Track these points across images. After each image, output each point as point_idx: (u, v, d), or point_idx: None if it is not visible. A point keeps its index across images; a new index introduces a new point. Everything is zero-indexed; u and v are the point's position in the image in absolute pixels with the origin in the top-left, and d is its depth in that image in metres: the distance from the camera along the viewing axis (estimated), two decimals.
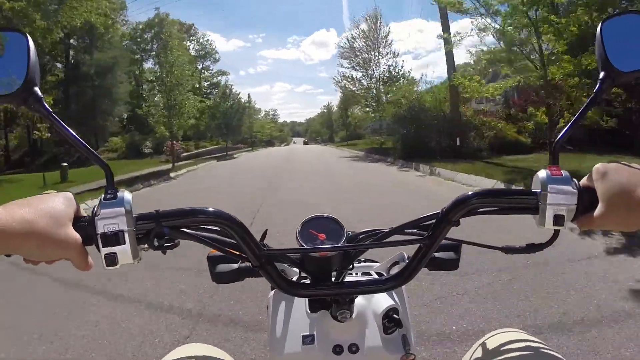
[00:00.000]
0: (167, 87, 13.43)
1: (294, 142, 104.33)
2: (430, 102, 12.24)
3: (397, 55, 19.48)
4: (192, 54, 32.92)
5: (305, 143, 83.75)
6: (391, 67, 19.16)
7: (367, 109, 20.20)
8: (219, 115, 25.45)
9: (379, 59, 19.65)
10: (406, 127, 12.32)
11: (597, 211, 0.38)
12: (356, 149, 23.05)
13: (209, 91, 36.52)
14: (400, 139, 12.99)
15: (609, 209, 0.37)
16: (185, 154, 19.48)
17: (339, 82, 21.05)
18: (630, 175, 0.38)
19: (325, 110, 54.33)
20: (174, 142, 17.25)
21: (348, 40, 20.82)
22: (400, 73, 18.74)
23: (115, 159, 18.91)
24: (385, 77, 19.02)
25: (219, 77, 37.58)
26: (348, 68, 20.71)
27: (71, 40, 22.04)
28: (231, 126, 25.43)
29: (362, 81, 20.25)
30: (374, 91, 19.43)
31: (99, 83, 22.29)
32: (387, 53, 19.71)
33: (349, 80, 20.63)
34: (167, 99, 13.53)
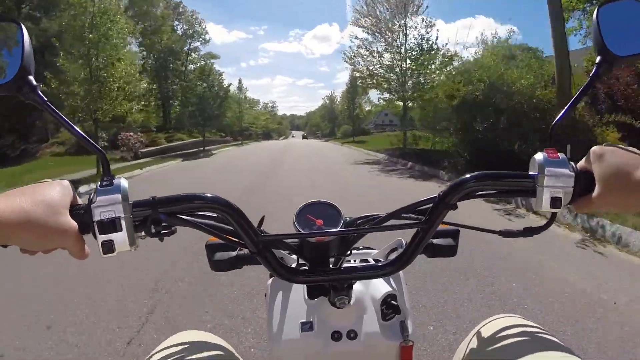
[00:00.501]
0: (87, 46, 8.62)
1: (293, 136, 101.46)
2: (523, 83, 6.74)
3: (432, 25, 13.09)
4: (179, 33, 30.47)
5: (304, 137, 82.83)
6: (423, 40, 13.11)
7: (387, 94, 14.27)
8: (193, 100, 20.70)
9: (405, 29, 13.56)
10: (481, 120, 6.83)
11: (595, 193, 0.40)
12: (368, 147, 18.09)
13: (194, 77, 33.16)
14: (464, 140, 7.57)
15: (607, 191, 0.40)
16: (146, 149, 15.17)
17: (352, 57, 14.66)
18: (628, 157, 0.40)
19: (328, 102, 49.64)
20: (132, 134, 14.40)
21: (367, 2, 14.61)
22: (435, 47, 12.95)
23: (62, 155, 14.43)
24: (414, 53, 13.08)
25: (209, 62, 33.58)
26: (363, 42, 14.31)
27: None
28: (208, 114, 20.30)
29: (385, 55, 13.85)
30: (398, 71, 13.39)
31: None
32: (417, 23, 13.42)
33: (367, 54, 14.08)
34: (87, 67, 8.72)
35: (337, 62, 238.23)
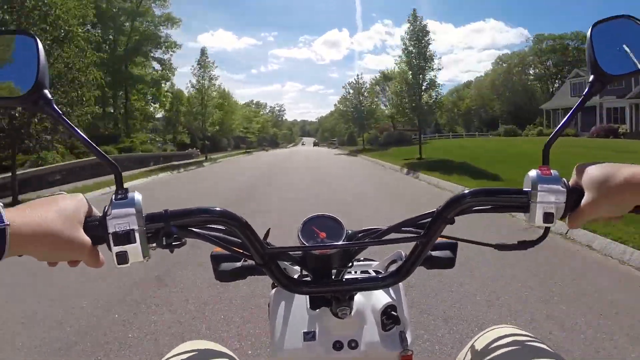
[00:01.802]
0: None
1: (303, 144, 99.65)
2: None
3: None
4: None
5: (315, 144, 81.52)
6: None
7: None
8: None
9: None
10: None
11: (584, 200, 0.46)
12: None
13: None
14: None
15: (595, 195, 0.45)
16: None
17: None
18: (609, 165, 0.46)
19: (351, 92, 33.45)
20: None
21: None
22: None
23: None
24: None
25: (164, 30, 27.91)
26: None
27: None
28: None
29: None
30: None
31: None
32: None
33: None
34: None
35: (347, 68, 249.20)
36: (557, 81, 45.02)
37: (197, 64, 23.74)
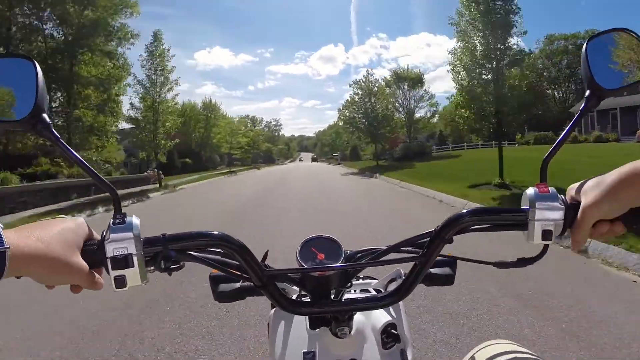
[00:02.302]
0: None
1: (301, 159, 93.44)
2: None
3: None
4: None
5: (314, 159, 79.24)
6: None
7: None
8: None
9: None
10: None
11: (581, 207, 0.48)
12: None
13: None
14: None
15: (591, 198, 0.47)
16: None
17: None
18: (601, 175, 0.48)
19: (360, 94, 26.76)
20: None
21: None
22: None
23: None
24: None
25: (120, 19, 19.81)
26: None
27: None
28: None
29: None
30: None
31: None
32: None
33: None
34: None
35: (343, 83, 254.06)
36: (571, 83, 44.08)
37: (145, 52, 16.46)
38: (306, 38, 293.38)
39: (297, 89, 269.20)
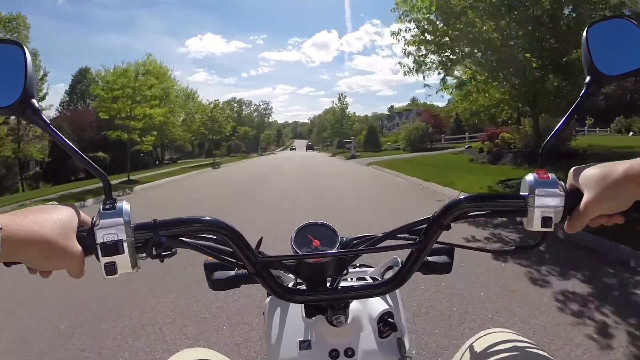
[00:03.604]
0: None
1: (293, 148, 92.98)
2: None
3: None
4: None
5: (309, 147, 75.73)
6: None
7: None
8: None
9: None
10: None
11: (584, 199, 0.50)
12: None
13: None
14: None
15: (595, 193, 0.49)
16: None
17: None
18: (604, 164, 0.50)
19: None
20: None
21: None
22: None
23: None
24: None
25: None
26: None
27: None
28: None
29: None
30: None
31: None
32: None
33: None
34: None
35: (337, 70, 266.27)
36: None
37: None
38: (299, 24, 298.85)
39: (291, 76, 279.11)
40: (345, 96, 47.53)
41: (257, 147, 69.57)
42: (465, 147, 19.49)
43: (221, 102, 36.63)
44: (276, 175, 15.47)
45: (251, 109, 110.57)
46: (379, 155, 25.83)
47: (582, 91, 0.56)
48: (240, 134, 51.79)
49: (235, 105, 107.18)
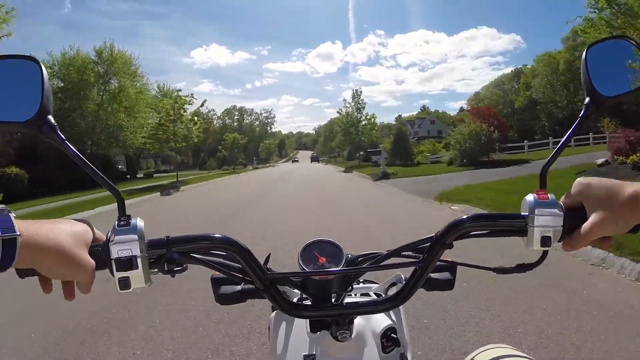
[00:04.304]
0: None
1: (296, 160, 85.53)
2: None
3: None
4: None
5: (314, 159, 71.67)
6: None
7: None
8: None
9: None
10: None
11: (589, 219, 0.51)
12: None
13: None
14: None
15: (600, 214, 0.50)
16: None
17: None
18: (611, 181, 0.52)
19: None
20: None
21: None
22: None
23: None
24: None
25: None
26: None
27: None
28: None
29: None
30: None
31: None
32: None
33: None
34: None
35: (342, 81, 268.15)
36: None
37: None
38: (303, 35, 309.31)
39: (296, 87, 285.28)
40: (361, 92, 36.22)
41: (253, 158, 61.16)
42: (599, 162, 10.81)
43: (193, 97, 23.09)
44: (269, 196, 12.00)
45: (252, 117, 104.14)
46: (420, 172, 17.65)
47: (581, 112, 0.58)
48: (227, 142, 42.53)
49: (236, 113, 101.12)
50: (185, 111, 21.61)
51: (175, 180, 20.60)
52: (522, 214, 0.55)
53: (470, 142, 18.36)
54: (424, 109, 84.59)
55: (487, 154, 18.75)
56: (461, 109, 78.01)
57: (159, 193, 15.89)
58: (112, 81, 27.27)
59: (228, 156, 46.93)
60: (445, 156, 21.48)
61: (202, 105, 23.59)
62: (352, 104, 35.20)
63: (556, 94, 38.43)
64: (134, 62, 28.15)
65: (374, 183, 15.59)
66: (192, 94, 22.65)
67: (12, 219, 0.42)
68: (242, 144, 44.69)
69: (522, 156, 21.00)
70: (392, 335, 0.65)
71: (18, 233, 0.41)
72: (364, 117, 34.43)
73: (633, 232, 0.50)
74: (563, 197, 0.57)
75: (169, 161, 54.66)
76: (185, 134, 21.36)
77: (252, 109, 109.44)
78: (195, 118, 22.77)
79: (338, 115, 32.70)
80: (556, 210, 0.53)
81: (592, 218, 0.50)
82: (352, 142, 35.38)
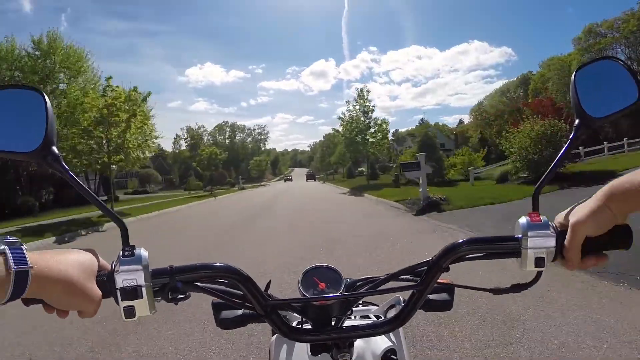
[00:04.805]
0: None
1: (289, 178, 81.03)
2: None
3: None
4: None
5: (310, 177, 67.64)
6: None
7: None
8: None
9: None
10: None
11: (570, 223, 0.54)
12: None
13: None
14: None
15: (577, 218, 0.54)
16: None
17: None
18: (586, 200, 0.57)
19: None
20: None
21: None
22: None
23: None
24: None
25: None
26: None
27: None
28: None
29: None
30: None
31: None
32: None
33: None
34: None
35: (336, 98, 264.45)
36: None
37: None
38: (297, 53, 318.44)
39: (290, 105, 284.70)
40: (368, 91, 27.63)
41: (239, 178, 54.23)
42: None
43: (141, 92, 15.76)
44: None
45: (244, 134, 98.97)
46: (478, 196, 10.84)
47: (572, 135, 0.59)
48: (204, 156, 36.60)
49: (228, 130, 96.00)
50: (134, 113, 13.80)
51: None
52: (516, 236, 0.58)
53: (539, 146, 12.61)
54: (422, 122, 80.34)
55: (563, 164, 12.78)
56: (460, 122, 75.12)
57: (54, 237, 9.39)
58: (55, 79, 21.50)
59: (216, 175, 40.72)
60: (491, 169, 16.52)
61: (144, 100, 12.72)
62: (358, 106, 26.76)
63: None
64: (85, 56, 21.84)
65: (418, 222, 8.31)
66: (136, 87, 14.78)
67: (24, 251, 0.44)
68: (220, 159, 38.47)
69: (604, 164, 15.31)
70: (392, 356, 0.68)
71: (31, 265, 0.42)
72: (372, 123, 26.47)
73: (619, 242, 0.53)
74: (555, 218, 0.59)
75: (148, 180, 48.25)
76: (118, 142, 13.54)
77: (245, 125, 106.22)
78: (138, 118, 14.15)
79: (340, 120, 26.31)
80: (548, 232, 0.55)
81: (572, 220, 0.55)
82: (357, 155, 28.77)
